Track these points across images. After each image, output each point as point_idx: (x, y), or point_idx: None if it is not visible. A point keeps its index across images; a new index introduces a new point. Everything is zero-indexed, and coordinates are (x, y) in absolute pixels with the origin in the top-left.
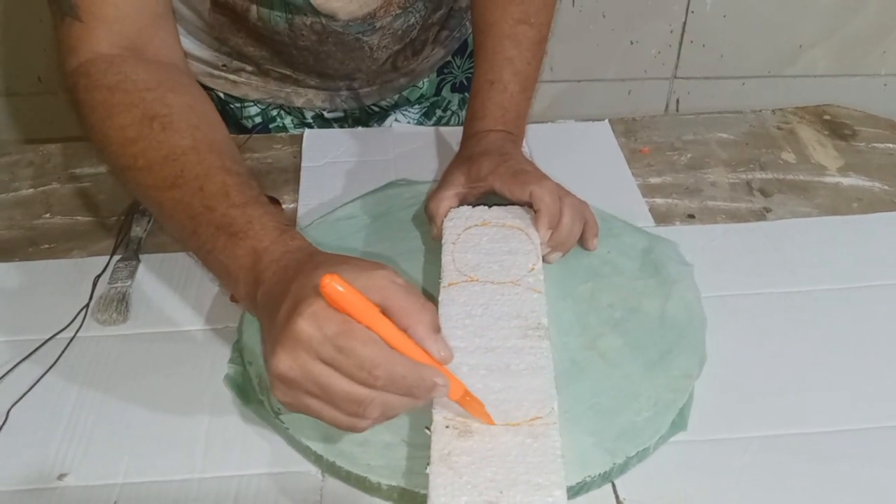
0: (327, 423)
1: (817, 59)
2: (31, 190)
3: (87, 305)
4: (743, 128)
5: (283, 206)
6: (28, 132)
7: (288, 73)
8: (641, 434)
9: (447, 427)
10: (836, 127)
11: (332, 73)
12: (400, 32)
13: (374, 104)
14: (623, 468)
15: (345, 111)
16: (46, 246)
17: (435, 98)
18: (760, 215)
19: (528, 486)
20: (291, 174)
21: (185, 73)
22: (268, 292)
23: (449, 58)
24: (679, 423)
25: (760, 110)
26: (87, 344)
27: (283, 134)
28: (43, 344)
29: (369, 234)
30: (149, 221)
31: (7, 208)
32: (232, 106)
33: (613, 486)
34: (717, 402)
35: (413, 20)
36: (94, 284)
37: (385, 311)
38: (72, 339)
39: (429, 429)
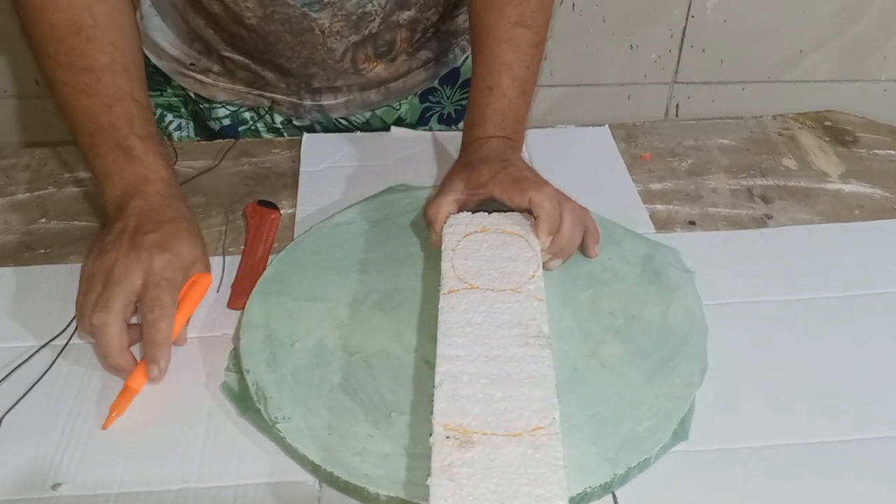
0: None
1: (817, 64)
2: (28, 194)
3: None
4: (744, 134)
5: (282, 211)
6: (25, 135)
7: (246, 62)
8: (643, 444)
9: (448, 438)
10: (838, 133)
11: (286, 65)
12: (355, 18)
13: (342, 118)
14: (624, 478)
15: (311, 122)
16: (42, 251)
17: (423, 128)
18: (761, 222)
19: (531, 497)
20: (290, 179)
21: None
22: (140, 209)
23: (435, 84)
24: (681, 433)
25: (761, 116)
26: (81, 351)
27: (281, 138)
28: (37, 351)
29: (368, 239)
30: None
31: (3, 212)
32: (201, 106)
33: (614, 496)
34: (718, 412)
35: (370, 7)
36: None
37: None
38: (65, 346)
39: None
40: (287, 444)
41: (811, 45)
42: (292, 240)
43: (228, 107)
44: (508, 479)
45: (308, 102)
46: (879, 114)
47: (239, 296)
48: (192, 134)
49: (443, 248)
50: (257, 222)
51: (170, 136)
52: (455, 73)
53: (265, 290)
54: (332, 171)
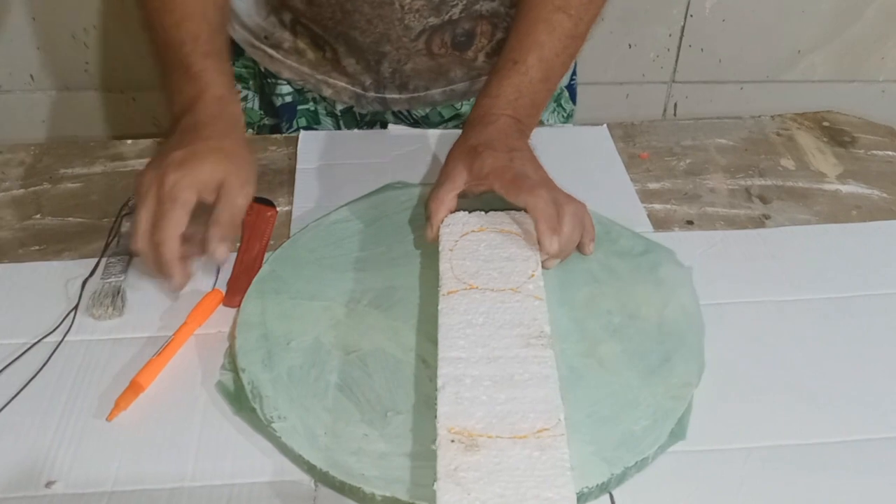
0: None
1: (816, 64)
2: (22, 190)
3: (76, 308)
4: (742, 134)
5: (278, 209)
6: (19, 131)
7: (319, 32)
8: (640, 443)
9: (452, 441)
10: (836, 134)
11: (360, 39)
12: (437, 0)
13: (403, 111)
14: (621, 478)
15: (370, 111)
16: (37, 247)
17: None
18: (759, 222)
19: (539, 500)
20: (286, 176)
21: None
22: (186, 126)
23: None
24: (678, 433)
25: (759, 116)
26: (76, 348)
27: (277, 135)
28: (29, 348)
29: (364, 237)
30: None
31: None
32: (268, 80)
33: (611, 496)
34: (715, 412)
35: None
36: (83, 287)
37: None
38: (60, 343)
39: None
40: (282, 443)
41: (809, 46)
42: (288, 237)
43: (293, 84)
44: (515, 482)
45: (371, 94)
46: (877, 114)
47: (235, 293)
48: (256, 107)
49: (440, 248)
50: (253, 219)
51: None
52: None
53: (261, 288)
54: (328, 169)
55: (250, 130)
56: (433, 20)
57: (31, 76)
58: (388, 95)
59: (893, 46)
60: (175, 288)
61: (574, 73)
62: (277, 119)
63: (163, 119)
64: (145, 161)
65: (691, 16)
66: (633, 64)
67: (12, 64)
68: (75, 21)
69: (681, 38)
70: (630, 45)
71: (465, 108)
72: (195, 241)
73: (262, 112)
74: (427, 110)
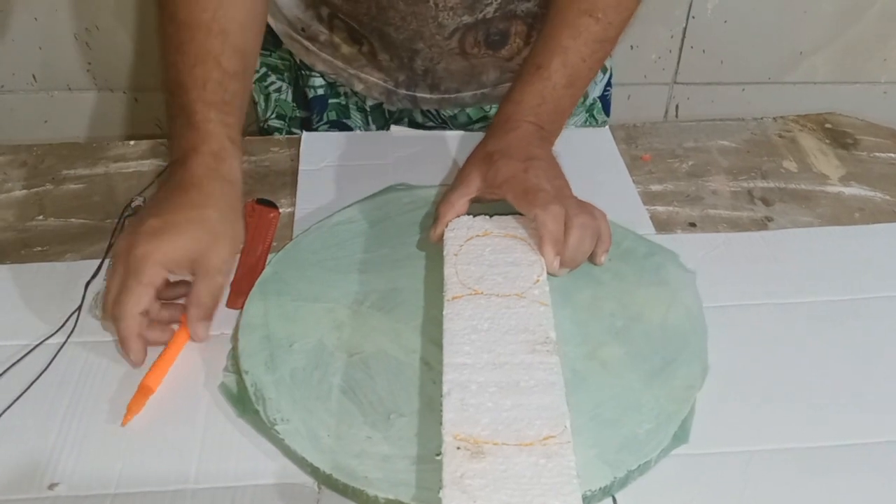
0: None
1: (817, 65)
2: (25, 191)
3: (79, 309)
4: (744, 135)
5: (281, 210)
6: (21, 132)
7: (354, 26)
8: (643, 447)
9: (458, 448)
10: (838, 136)
11: (394, 35)
12: None
13: (432, 110)
14: (624, 482)
15: (400, 109)
16: (39, 248)
17: None
18: (762, 224)
19: None
20: (289, 177)
21: None
22: (176, 184)
23: None
24: (681, 436)
25: (762, 118)
26: (78, 350)
27: (280, 136)
28: (32, 350)
29: (367, 239)
30: None
31: None
32: (302, 72)
33: (614, 499)
34: (719, 415)
35: None
36: (86, 288)
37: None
38: (63, 345)
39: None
40: (286, 445)
41: (811, 47)
42: (291, 239)
43: (326, 77)
44: (522, 490)
45: (402, 91)
46: (879, 116)
47: (238, 295)
48: (289, 98)
49: (444, 252)
50: (256, 221)
51: (268, 96)
52: None
53: (264, 289)
54: (331, 170)
55: (281, 122)
56: (467, 18)
57: (34, 76)
58: (418, 94)
59: (895, 48)
60: (132, 364)
61: (609, 84)
62: (309, 112)
63: (165, 122)
64: (147, 162)
65: (693, 17)
66: (635, 65)
67: (14, 64)
68: (77, 21)
69: (682, 40)
70: (632, 47)
71: (493, 110)
72: (164, 313)
73: (294, 104)
74: (456, 111)
